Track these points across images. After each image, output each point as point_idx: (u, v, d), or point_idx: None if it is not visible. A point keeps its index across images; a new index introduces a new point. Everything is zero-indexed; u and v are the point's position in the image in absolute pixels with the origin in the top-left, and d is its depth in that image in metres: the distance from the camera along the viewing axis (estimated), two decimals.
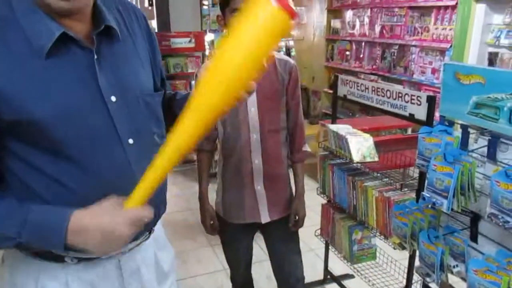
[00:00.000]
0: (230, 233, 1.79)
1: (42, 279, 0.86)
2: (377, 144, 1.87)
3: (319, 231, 2.40)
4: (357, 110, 5.10)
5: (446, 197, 1.28)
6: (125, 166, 0.88)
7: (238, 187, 1.68)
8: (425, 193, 1.35)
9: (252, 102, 1.58)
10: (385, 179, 1.91)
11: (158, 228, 1.08)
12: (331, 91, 3.99)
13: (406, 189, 1.85)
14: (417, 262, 1.52)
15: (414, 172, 1.83)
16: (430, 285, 1.51)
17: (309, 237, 3.15)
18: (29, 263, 0.87)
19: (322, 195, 2.30)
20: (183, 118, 0.79)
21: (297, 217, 1.74)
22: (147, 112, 0.95)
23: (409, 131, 3.36)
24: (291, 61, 1.67)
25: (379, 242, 2.13)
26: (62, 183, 0.82)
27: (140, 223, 0.80)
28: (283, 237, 1.79)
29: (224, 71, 0.78)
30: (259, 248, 2.98)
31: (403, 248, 1.58)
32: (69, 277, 0.88)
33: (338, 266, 2.62)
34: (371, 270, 2.19)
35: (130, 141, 0.89)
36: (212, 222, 1.74)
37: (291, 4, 0.78)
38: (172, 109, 1.07)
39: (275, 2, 0.76)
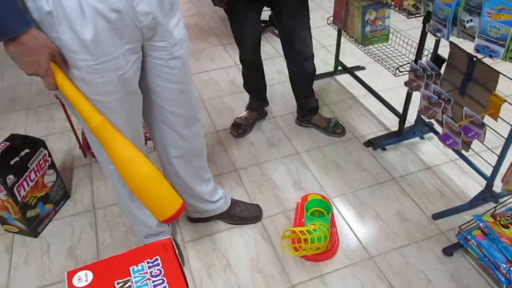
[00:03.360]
0: (238, 8, 1.74)
1: None
2: None
3: (331, 19, 2.33)
4: None
5: None
6: None
7: None
8: None
9: None
10: None
11: None
12: None
13: None
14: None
15: None
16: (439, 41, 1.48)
17: (320, 36, 3.10)
18: None
19: None
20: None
21: None
22: None
23: None
24: None
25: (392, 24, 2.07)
26: None
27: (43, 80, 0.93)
28: (292, 10, 1.74)
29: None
30: (271, 47, 2.98)
31: (417, 8, 1.52)
32: None
33: (349, 60, 2.63)
34: (383, 53, 2.18)
35: None
36: None
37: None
38: None
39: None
